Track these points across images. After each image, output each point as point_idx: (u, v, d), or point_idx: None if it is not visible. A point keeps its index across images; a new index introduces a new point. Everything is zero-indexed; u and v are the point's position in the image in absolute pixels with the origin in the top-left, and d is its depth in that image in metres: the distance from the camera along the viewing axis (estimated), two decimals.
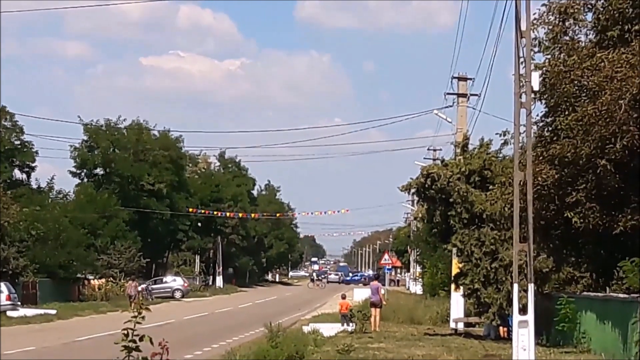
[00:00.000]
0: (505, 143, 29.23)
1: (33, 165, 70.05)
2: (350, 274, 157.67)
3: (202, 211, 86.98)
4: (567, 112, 24.23)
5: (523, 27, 18.62)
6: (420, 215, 45.08)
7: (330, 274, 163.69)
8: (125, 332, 9.29)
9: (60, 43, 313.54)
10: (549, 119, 26.09)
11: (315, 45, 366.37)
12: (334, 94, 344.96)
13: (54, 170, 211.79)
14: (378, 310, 35.33)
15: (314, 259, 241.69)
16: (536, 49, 25.07)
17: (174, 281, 76.90)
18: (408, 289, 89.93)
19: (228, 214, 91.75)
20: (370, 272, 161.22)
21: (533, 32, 23.56)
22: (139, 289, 60.00)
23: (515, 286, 18.20)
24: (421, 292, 68.85)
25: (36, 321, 43.06)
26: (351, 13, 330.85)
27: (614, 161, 22.96)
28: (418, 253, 75.18)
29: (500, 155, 31.60)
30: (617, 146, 22.45)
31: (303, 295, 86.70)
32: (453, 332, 33.86)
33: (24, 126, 67.84)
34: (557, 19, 25.46)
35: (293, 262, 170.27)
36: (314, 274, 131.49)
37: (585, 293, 25.58)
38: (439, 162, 34.80)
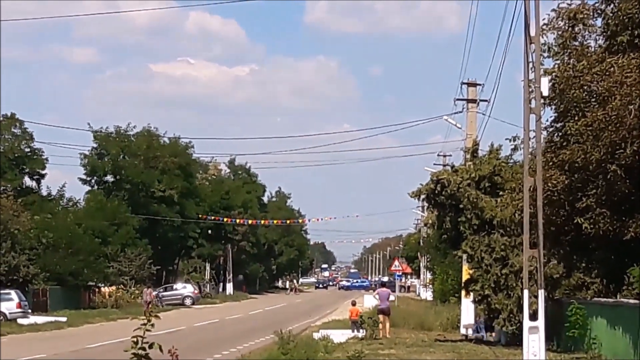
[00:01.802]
0: (515, 149, 29.18)
1: (43, 172, 70.26)
2: (349, 280, 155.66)
3: (213, 218, 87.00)
4: (576, 118, 24.17)
5: (532, 32, 18.63)
6: (430, 221, 44.89)
7: (341, 281, 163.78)
8: (135, 339, 9.28)
9: (68, 49, 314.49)
10: (559, 125, 26.03)
11: (323, 50, 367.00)
12: (341, 99, 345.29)
13: (64, 178, 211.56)
14: (386, 317, 35.20)
15: (324, 266, 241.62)
16: (545, 55, 25.04)
17: (184, 288, 76.99)
18: (418, 295, 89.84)
19: (238, 220, 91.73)
20: (360, 279, 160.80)
21: (542, 37, 23.53)
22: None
23: (526, 292, 18.17)
24: (431, 299, 68.80)
25: (47, 328, 43.15)
26: (358, 18, 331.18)
27: (624, 166, 22.90)
28: (428, 259, 75.07)
29: (511, 161, 31.56)
30: (627, 151, 22.40)
31: (313, 302, 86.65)
32: (464, 338, 33.80)
33: (33, 133, 68.21)
34: (567, 25, 25.42)
35: (303, 268, 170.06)
36: (294, 283, 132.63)
37: (595, 299, 25.51)
38: (448, 168, 34.72)
